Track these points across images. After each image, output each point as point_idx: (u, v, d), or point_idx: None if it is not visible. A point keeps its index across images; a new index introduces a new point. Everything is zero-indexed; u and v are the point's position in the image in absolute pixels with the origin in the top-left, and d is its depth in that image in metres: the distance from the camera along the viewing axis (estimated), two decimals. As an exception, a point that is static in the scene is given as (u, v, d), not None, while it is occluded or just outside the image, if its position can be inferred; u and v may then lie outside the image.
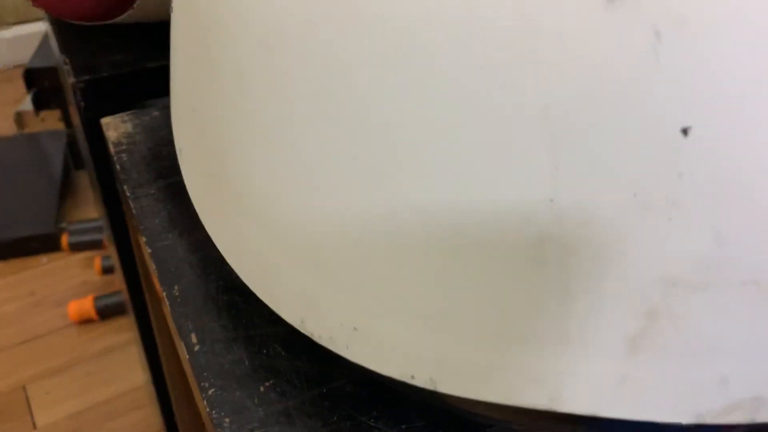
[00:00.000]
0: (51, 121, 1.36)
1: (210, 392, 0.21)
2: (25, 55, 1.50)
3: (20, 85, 1.47)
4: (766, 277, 0.12)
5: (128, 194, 0.30)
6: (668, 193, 0.12)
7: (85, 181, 1.25)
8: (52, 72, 1.08)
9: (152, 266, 0.26)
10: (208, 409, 0.21)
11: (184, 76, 0.23)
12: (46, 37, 1.18)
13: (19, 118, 1.37)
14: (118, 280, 0.96)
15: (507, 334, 0.14)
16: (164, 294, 0.25)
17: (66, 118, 1.19)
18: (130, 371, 0.94)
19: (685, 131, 0.12)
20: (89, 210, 1.19)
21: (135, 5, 0.38)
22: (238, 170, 0.20)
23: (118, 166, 0.32)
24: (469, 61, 0.13)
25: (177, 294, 0.25)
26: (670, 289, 0.12)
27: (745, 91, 0.12)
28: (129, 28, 0.43)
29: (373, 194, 0.16)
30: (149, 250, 0.27)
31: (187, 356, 0.23)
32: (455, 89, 0.13)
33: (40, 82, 1.09)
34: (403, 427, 0.20)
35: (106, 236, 0.60)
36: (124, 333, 0.99)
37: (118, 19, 0.40)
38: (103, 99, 0.39)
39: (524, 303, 0.14)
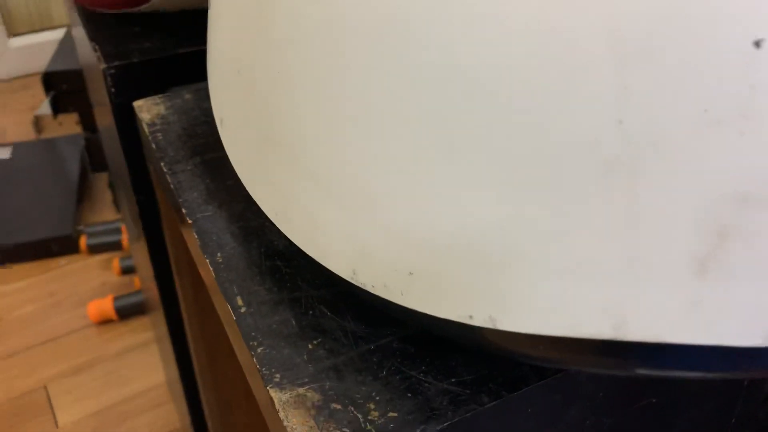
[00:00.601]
0: (68, 124, 1.37)
1: (259, 350, 0.21)
2: (39, 64, 1.52)
3: (36, 92, 1.49)
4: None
5: (165, 170, 0.30)
6: (739, 106, 0.12)
7: (101, 183, 1.26)
8: (70, 75, 1.09)
9: (193, 236, 0.27)
10: (258, 366, 0.21)
11: (228, 42, 0.23)
12: (62, 42, 1.19)
13: (37, 122, 1.39)
14: (139, 279, 0.97)
15: (569, 263, 0.14)
16: (207, 261, 0.25)
17: (83, 122, 1.20)
18: (150, 370, 0.94)
19: (757, 43, 0.12)
20: (106, 212, 1.20)
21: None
22: (290, 131, 0.20)
23: (153, 145, 0.32)
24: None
25: (220, 261, 0.25)
26: (740, 206, 0.12)
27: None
28: (156, 17, 0.43)
29: (437, 127, 0.16)
30: (190, 221, 0.27)
31: (234, 318, 0.23)
32: (526, 12, 0.13)
33: (58, 86, 1.10)
34: (453, 380, 0.20)
35: (130, 230, 0.60)
36: (143, 332, 0.99)
37: (145, 8, 0.41)
38: (133, 85, 0.39)
39: (588, 229, 0.14)
